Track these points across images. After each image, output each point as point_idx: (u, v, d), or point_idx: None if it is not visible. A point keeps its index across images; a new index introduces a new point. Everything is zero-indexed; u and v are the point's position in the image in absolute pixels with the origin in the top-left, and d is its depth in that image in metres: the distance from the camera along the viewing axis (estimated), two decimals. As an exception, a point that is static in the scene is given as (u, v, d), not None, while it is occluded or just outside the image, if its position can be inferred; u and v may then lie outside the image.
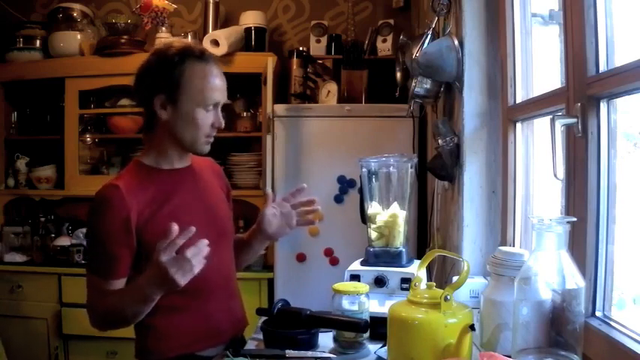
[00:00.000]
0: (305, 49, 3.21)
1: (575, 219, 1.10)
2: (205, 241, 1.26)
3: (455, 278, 1.26)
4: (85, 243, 3.22)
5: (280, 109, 2.94)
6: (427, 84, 1.98)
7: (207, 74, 1.42)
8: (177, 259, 1.23)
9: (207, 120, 1.43)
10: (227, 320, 1.54)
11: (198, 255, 1.24)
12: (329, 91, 3.03)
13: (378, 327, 1.39)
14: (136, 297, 1.33)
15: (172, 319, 1.45)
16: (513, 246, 1.67)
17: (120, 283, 1.40)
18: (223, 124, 1.48)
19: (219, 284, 1.53)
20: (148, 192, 1.43)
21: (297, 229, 1.66)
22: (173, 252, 1.23)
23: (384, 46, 3.15)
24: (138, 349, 1.51)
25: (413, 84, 1.98)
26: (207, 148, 1.48)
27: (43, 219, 3.40)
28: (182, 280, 1.23)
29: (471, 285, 1.52)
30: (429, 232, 2.37)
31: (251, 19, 3.27)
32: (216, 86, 1.44)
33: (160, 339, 1.45)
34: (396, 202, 1.71)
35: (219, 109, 1.47)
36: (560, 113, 1.29)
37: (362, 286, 1.47)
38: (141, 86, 1.46)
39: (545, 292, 1.09)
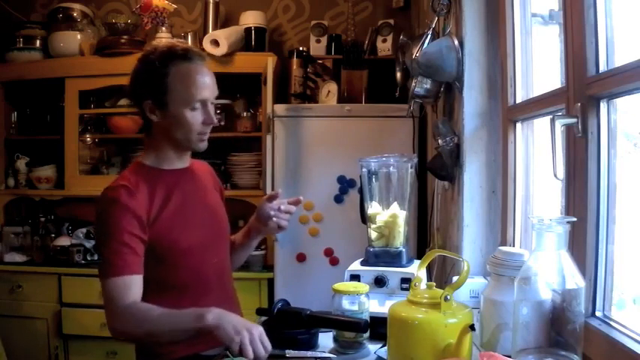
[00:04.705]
0: (305, 49, 3.21)
1: (575, 219, 1.10)
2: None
3: (455, 278, 1.26)
4: (85, 244, 3.22)
5: (280, 109, 2.94)
6: (427, 84, 1.98)
7: (191, 73, 1.43)
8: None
9: (197, 119, 1.45)
10: None
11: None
12: (329, 91, 3.03)
13: (378, 327, 1.39)
14: (184, 319, 1.31)
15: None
16: (513, 246, 1.67)
17: (139, 281, 1.38)
18: (215, 120, 1.49)
19: (217, 284, 1.55)
20: (153, 192, 1.45)
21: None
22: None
23: (384, 46, 3.15)
24: (140, 352, 1.51)
25: (413, 84, 1.98)
26: (203, 146, 1.50)
27: (43, 219, 3.39)
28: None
29: (471, 285, 1.52)
30: (429, 232, 2.37)
31: (251, 19, 3.26)
32: (202, 84, 1.44)
33: (165, 342, 1.44)
34: (396, 202, 1.71)
35: (210, 105, 1.47)
36: (560, 113, 1.29)
37: (362, 286, 1.46)
38: (132, 92, 1.50)
39: (545, 292, 1.09)
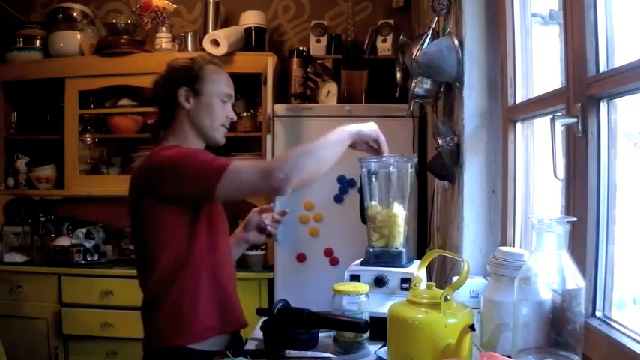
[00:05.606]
0: (305, 49, 3.21)
1: (575, 219, 1.10)
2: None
3: (455, 278, 1.26)
4: (85, 244, 3.21)
5: (280, 109, 2.94)
6: (427, 84, 1.98)
7: (221, 72, 1.68)
8: None
9: (224, 111, 1.65)
10: (233, 310, 1.63)
11: None
12: (329, 91, 3.03)
13: (378, 327, 1.38)
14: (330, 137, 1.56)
15: (197, 302, 1.50)
16: (513, 246, 1.67)
17: None
18: (235, 118, 1.71)
19: (227, 275, 1.63)
20: None
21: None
22: None
23: (384, 46, 3.15)
24: (157, 337, 1.51)
25: (413, 84, 1.98)
26: (223, 139, 1.67)
27: (43, 219, 3.40)
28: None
29: (471, 285, 1.52)
30: (429, 232, 2.37)
31: (251, 19, 3.27)
32: (229, 82, 1.69)
33: (189, 321, 1.49)
34: (396, 202, 1.71)
35: (230, 105, 1.69)
36: (560, 113, 1.29)
37: (362, 286, 1.46)
38: (163, 84, 1.64)
39: (545, 292, 1.09)
